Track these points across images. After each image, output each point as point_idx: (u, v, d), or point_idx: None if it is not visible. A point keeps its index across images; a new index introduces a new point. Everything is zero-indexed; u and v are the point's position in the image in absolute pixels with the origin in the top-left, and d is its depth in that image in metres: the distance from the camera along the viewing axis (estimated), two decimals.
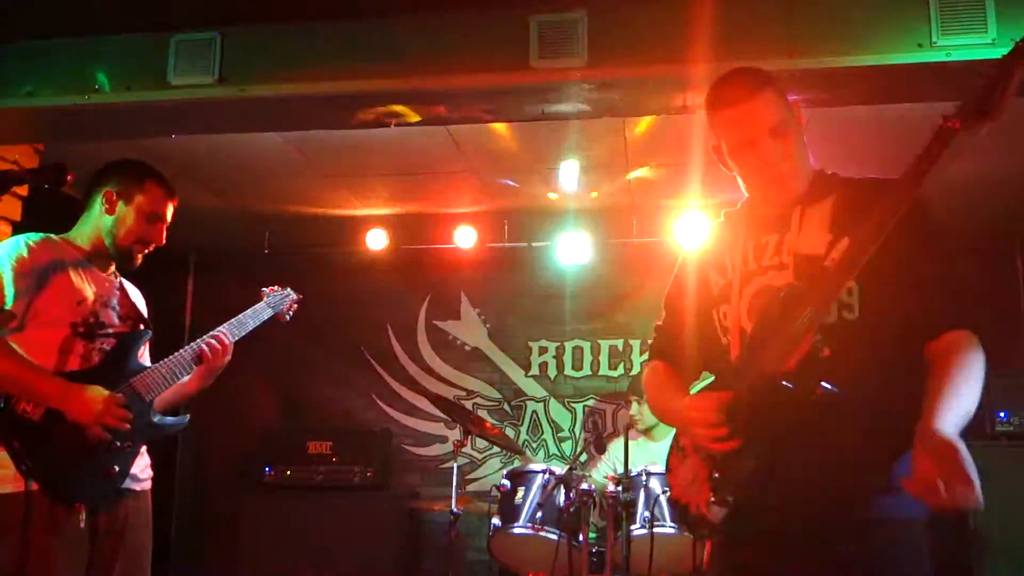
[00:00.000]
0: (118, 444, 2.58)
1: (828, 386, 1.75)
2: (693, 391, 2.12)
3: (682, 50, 3.41)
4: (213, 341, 2.79)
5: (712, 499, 1.90)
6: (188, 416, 2.87)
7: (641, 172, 5.26)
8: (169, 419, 2.79)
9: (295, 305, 3.24)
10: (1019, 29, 3.15)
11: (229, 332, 2.86)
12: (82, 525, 2.50)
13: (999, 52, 3.09)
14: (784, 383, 1.77)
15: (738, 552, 1.93)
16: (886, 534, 1.77)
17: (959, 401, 1.70)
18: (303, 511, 5.58)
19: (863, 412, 1.78)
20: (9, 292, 2.50)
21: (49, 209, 3.04)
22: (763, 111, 1.91)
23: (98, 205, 2.74)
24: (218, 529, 6.05)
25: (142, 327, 2.81)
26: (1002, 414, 4.83)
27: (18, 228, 3.94)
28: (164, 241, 2.82)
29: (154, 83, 3.69)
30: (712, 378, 2.08)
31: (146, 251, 2.80)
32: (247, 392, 6.26)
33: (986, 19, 3.19)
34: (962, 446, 1.58)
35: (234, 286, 6.61)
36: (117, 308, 2.76)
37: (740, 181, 2.05)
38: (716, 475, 1.90)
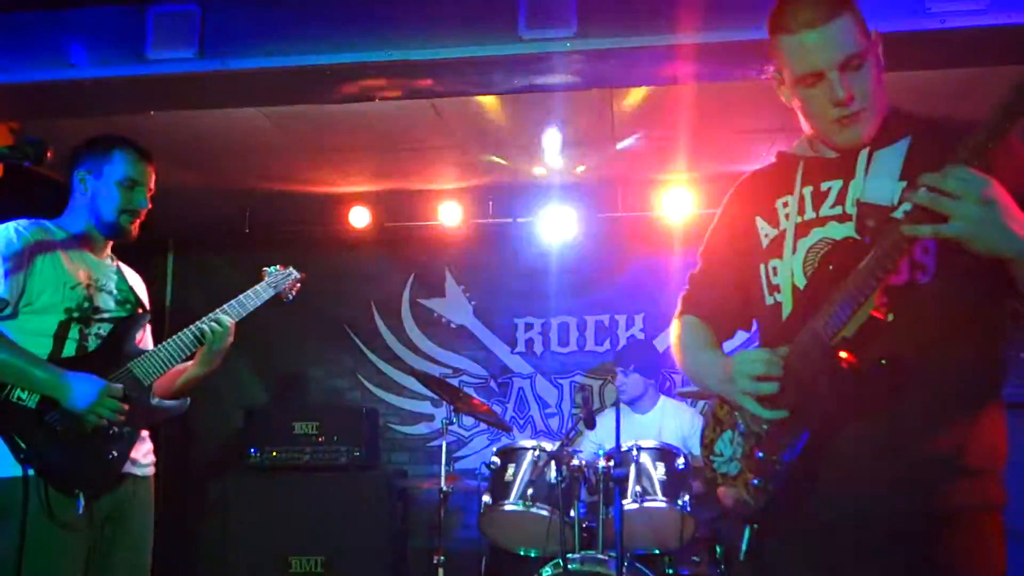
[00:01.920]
0: (114, 431, 2.58)
1: (889, 355, 1.57)
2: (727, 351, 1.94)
3: (672, 20, 3.37)
4: (214, 323, 2.76)
5: (755, 480, 1.72)
6: (188, 399, 2.85)
7: (627, 144, 5.21)
8: (168, 402, 2.78)
9: (298, 285, 3.17)
10: None
11: (231, 312, 2.84)
12: (80, 512, 2.49)
13: (993, 18, 3.08)
14: (841, 353, 1.59)
15: (783, 544, 1.75)
16: (961, 528, 1.59)
17: None
18: (290, 492, 5.54)
19: (932, 386, 1.61)
20: (0, 280, 2.50)
21: (22, 190, 3.01)
22: (836, 39, 1.66)
23: (77, 188, 2.75)
24: (204, 512, 6.01)
25: (140, 311, 2.80)
26: None
27: None
28: (149, 204, 2.79)
29: (132, 57, 3.61)
30: (746, 339, 1.91)
31: (136, 220, 2.78)
32: (231, 374, 6.19)
33: None
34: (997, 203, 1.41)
35: (215, 265, 6.59)
36: (114, 292, 2.75)
37: (801, 117, 1.83)
38: (760, 453, 1.71)
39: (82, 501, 2.50)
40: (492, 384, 6.44)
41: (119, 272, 2.84)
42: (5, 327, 2.53)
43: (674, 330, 2.05)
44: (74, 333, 2.61)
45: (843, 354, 1.59)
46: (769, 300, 1.81)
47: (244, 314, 2.89)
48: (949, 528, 1.59)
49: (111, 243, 2.83)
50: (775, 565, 1.77)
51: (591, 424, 4.39)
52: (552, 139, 5.10)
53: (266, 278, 3.08)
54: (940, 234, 1.47)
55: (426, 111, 4.63)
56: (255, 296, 2.96)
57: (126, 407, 2.56)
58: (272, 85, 3.72)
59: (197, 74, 3.60)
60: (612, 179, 5.80)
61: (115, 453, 2.61)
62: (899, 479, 1.61)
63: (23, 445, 2.44)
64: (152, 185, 2.82)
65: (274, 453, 5.70)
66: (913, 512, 1.60)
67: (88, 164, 2.74)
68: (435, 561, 4.65)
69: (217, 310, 2.83)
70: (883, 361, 1.57)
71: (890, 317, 1.59)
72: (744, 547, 1.81)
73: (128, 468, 2.68)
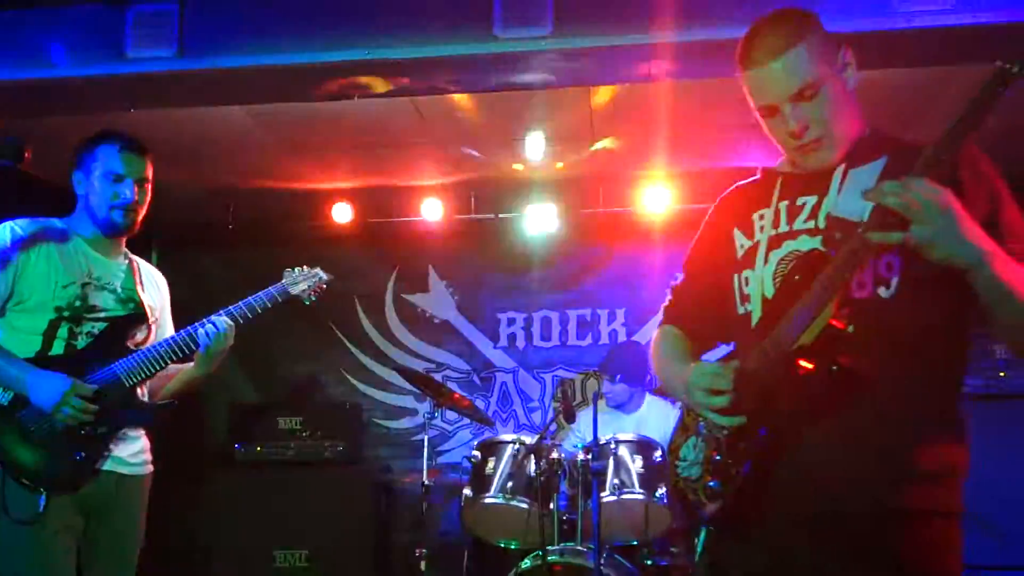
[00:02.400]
0: (84, 431, 2.57)
1: (841, 362, 1.60)
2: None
3: (647, 18, 3.41)
4: (210, 327, 2.72)
5: (711, 482, 1.75)
6: (175, 401, 2.82)
7: (606, 142, 5.26)
8: (150, 404, 2.76)
9: (324, 286, 3.10)
10: None
11: (237, 315, 2.78)
12: (40, 509, 2.47)
13: (960, 18, 3.14)
14: (800, 360, 1.62)
15: (736, 544, 1.79)
16: (908, 527, 1.61)
17: (1019, 269, 1.54)
18: (274, 487, 5.56)
19: (887, 396, 1.63)
20: None
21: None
22: (786, 73, 1.69)
23: (77, 191, 2.76)
24: (189, 506, 6.02)
25: (139, 311, 2.77)
26: None
27: None
28: (142, 196, 2.76)
29: (112, 56, 3.63)
30: (727, 350, 1.93)
31: (131, 214, 2.74)
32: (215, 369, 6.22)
33: None
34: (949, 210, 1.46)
35: (199, 262, 6.61)
36: (118, 291, 2.75)
37: None
38: (718, 456, 1.75)
39: (43, 499, 2.48)
40: (475, 378, 6.49)
41: (129, 271, 2.83)
42: None
43: (655, 339, 2.10)
44: (63, 332, 2.60)
45: (800, 361, 1.63)
46: (740, 309, 1.85)
47: (251, 316, 2.83)
48: (898, 530, 1.61)
49: (122, 240, 2.82)
50: (729, 566, 1.81)
51: (571, 418, 4.44)
52: (532, 136, 5.14)
53: (284, 279, 3.01)
54: (898, 241, 1.52)
55: (407, 108, 4.66)
56: (267, 299, 2.89)
57: (93, 407, 2.54)
58: (251, 84, 3.75)
59: (176, 73, 3.63)
60: (592, 175, 5.85)
61: (83, 454, 2.58)
62: (850, 483, 1.63)
63: None
64: (147, 175, 2.79)
65: (259, 448, 5.73)
66: (862, 514, 1.62)
67: (79, 164, 2.75)
68: (417, 554, 4.70)
69: (220, 311, 2.78)
70: (833, 368, 1.60)
71: (850, 328, 1.62)
72: (700, 548, 1.85)
73: (112, 467, 2.66)
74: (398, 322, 6.62)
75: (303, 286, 3.03)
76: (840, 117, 1.75)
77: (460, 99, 4.59)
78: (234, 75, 3.65)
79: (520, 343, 6.50)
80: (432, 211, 6.01)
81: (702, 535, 1.86)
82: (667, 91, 4.39)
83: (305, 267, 3.08)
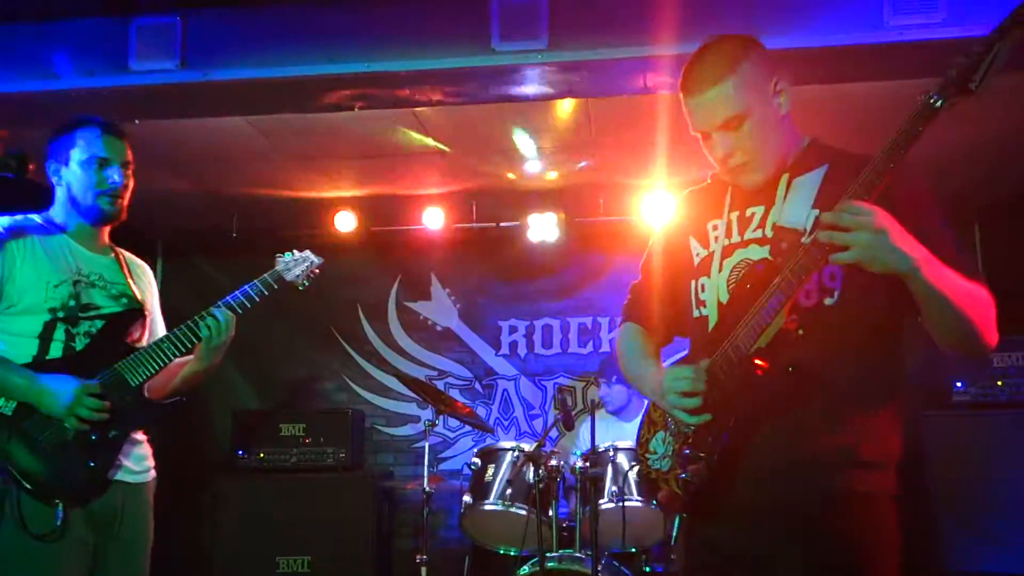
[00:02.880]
0: (95, 436, 2.47)
1: (796, 364, 1.77)
2: (667, 360, 2.14)
3: (643, 32, 3.46)
4: (211, 319, 2.63)
5: (681, 473, 1.90)
6: (183, 398, 2.73)
7: (606, 151, 5.30)
8: (158, 403, 2.67)
9: (316, 271, 2.97)
10: (968, 10, 3.23)
11: (234, 304, 2.69)
12: (58, 523, 2.39)
13: (949, 31, 3.18)
14: (756, 361, 1.80)
15: (707, 528, 1.94)
16: (853, 506, 1.79)
17: (948, 274, 1.69)
18: (277, 493, 5.60)
19: (833, 391, 1.81)
20: None
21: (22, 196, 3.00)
22: (716, 104, 1.84)
23: (54, 183, 2.65)
24: (192, 513, 6.07)
25: (134, 306, 2.67)
26: (959, 384, 4.95)
27: None
28: (123, 181, 2.64)
29: (115, 68, 3.68)
30: (685, 345, 2.08)
31: (119, 199, 2.64)
32: (219, 376, 6.24)
33: (935, 0, 3.26)
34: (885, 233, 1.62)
35: (203, 269, 6.66)
36: (108, 287, 2.63)
37: None
38: (687, 450, 1.91)
39: (60, 511, 2.40)
40: (477, 386, 6.53)
41: (116, 264, 2.71)
42: None
43: (619, 337, 2.27)
44: (60, 334, 2.50)
45: (757, 361, 1.81)
46: (696, 313, 2.01)
47: (249, 305, 2.74)
48: (846, 510, 1.79)
49: (106, 232, 2.71)
50: (701, 548, 1.96)
51: (569, 425, 4.48)
52: (532, 145, 5.18)
53: (277, 265, 2.89)
54: (840, 260, 1.67)
55: (408, 118, 4.71)
56: (263, 286, 2.80)
57: (108, 405, 2.45)
58: (252, 95, 3.79)
59: (179, 84, 3.68)
60: (592, 184, 5.88)
61: (95, 462, 2.49)
62: (803, 469, 1.81)
63: (2, 455, 2.36)
64: (130, 158, 2.68)
65: (261, 455, 5.77)
66: (814, 497, 1.80)
67: (55, 154, 2.63)
68: (419, 560, 4.74)
69: (219, 302, 2.69)
70: (790, 368, 1.78)
71: (800, 332, 1.80)
72: (675, 534, 2.01)
73: (118, 475, 2.57)
74: (400, 330, 6.66)
75: (297, 271, 2.90)
76: (767, 142, 1.89)
77: (461, 110, 4.62)
78: (236, 87, 3.70)
79: (521, 351, 6.54)
80: (434, 220, 6.05)
81: (676, 522, 2.02)
82: (665, 100, 4.43)
83: (295, 251, 2.93)
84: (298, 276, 2.89)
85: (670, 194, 5.68)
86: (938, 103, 1.63)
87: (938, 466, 4.80)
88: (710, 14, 3.47)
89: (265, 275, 2.83)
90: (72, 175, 2.61)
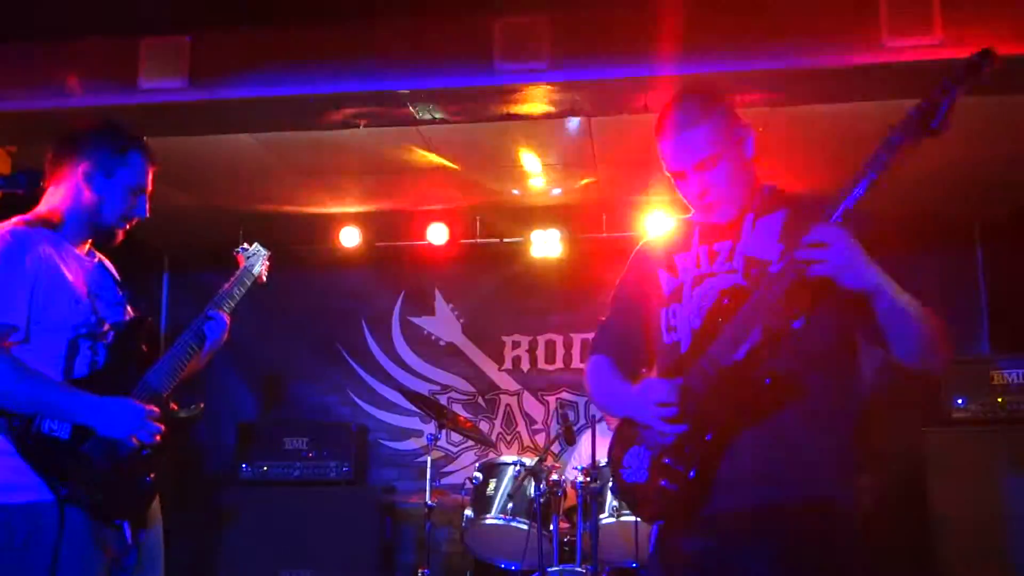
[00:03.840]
0: (146, 452, 2.42)
1: (773, 375, 1.87)
2: None
3: (643, 52, 3.51)
4: (211, 322, 2.63)
5: (662, 482, 1.97)
6: (201, 404, 2.65)
7: (609, 168, 5.35)
8: (185, 413, 2.60)
9: (268, 263, 3.01)
10: (965, 30, 3.27)
11: (223, 306, 2.69)
12: (129, 540, 2.37)
13: (946, 53, 3.23)
14: (736, 374, 1.90)
15: (684, 535, 2.00)
16: (820, 513, 1.88)
17: (906, 295, 1.83)
18: (280, 507, 5.63)
19: (805, 404, 1.90)
20: (5, 305, 2.29)
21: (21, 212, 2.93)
22: (691, 146, 2.01)
23: (78, 181, 2.48)
24: (196, 525, 6.10)
25: (135, 316, 2.60)
26: (959, 400, 4.96)
27: None
28: (147, 213, 2.58)
29: (124, 86, 3.73)
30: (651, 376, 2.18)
31: (128, 226, 2.58)
32: (223, 389, 6.31)
33: (933, 20, 3.30)
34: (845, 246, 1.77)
35: (209, 283, 6.67)
36: (105, 296, 2.54)
37: None
38: (668, 460, 1.98)
39: (129, 531, 2.36)
40: (480, 401, 6.55)
41: (103, 268, 2.60)
42: (19, 353, 2.31)
43: (589, 368, 2.35)
44: (84, 350, 2.41)
45: (736, 375, 1.91)
46: (668, 339, 2.12)
47: (235, 304, 2.76)
48: (820, 516, 1.89)
49: (88, 240, 2.58)
50: (679, 554, 2.02)
51: (571, 440, 4.51)
52: (535, 162, 5.24)
53: (243, 262, 2.92)
54: (818, 273, 1.80)
55: (412, 135, 4.76)
56: (239, 284, 2.83)
57: (164, 428, 2.41)
58: (259, 113, 3.85)
59: (187, 103, 3.73)
60: (596, 201, 5.94)
61: (152, 475, 2.47)
62: (779, 477, 1.91)
63: (62, 483, 2.26)
64: (151, 189, 2.61)
65: (265, 468, 5.80)
66: (789, 504, 1.89)
67: (99, 160, 2.47)
68: (421, 574, 4.76)
69: (209, 307, 2.69)
70: (768, 380, 1.89)
71: (769, 350, 1.92)
72: (653, 541, 2.09)
73: None
74: (404, 344, 6.70)
75: (258, 267, 2.95)
76: (736, 182, 2.06)
77: (465, 127, 4.68)
78: (243, 105, 3.76)
79: (524, 366, 6.56)
80: (438, 235, 6.09)
81: (655, 530, 2.07)
82: None
83: (246, 244, 2.99)
84: (260, 271, 2.96)
85: (673, 210, 5.72)
86: (899, 141, 1.76)
87: (938, 483, 4.81)
88: (709, 34, 3.51)
89: (240, 275, 2.87)
90: (111, 192, 2.49)
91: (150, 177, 2.58)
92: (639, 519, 2.68)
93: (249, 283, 2.88)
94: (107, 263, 2.64)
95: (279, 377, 6.66)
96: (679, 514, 1.99)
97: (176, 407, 2.59)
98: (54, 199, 2.49)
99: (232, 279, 2.83)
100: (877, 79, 3.42)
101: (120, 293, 2.61)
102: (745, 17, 3.45)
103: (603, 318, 2.39)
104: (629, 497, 2.16)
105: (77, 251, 2.51)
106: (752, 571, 1.89)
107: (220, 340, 2.68)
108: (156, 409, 2.41)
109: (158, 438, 2.40)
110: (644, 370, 2.29)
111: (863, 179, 1.79)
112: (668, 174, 2.10)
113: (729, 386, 1.91)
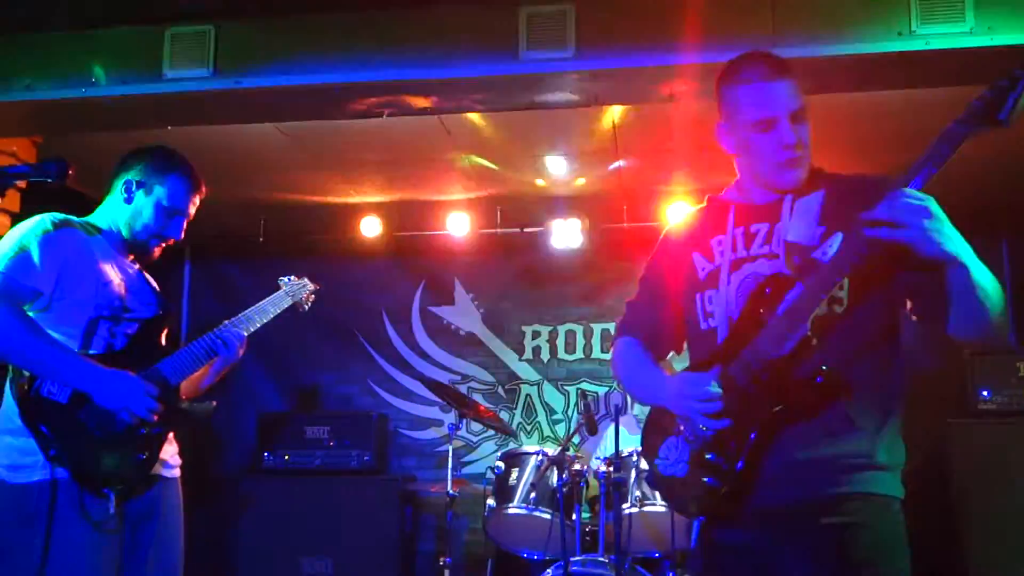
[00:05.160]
0: (144, 431, 2.51)
1: (824, 372, 1.82)
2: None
3: (668, 40, 3.48)
4: (226, 341, 2.72)
5: (705, 479, 1.93)
6: (214, 403, 2.81)
7: (630, 158, 5.32)
8: (196, 405, 2.72)
9: (312, 296, 3.18)
10: (996, 18, 3.24)
11: (247, 324, 2.80)
12: (112, 511, 2.42)
13: (977, 40, 3.19)
14: (780, 368, 1.84)
15: (728, 531, 1.96)
16: (865, 506, 1.84)
17: (975, 261, 1.73)
18: (301, 496, 5.66)
19: (852, 397, 1.86)
20: (35, 270, 2.43)
21: (47, 200, 2.98)
22: (789, 92, 1.94)
23: (119, 191, 2.67)
24: (216, 513, 6.14)
25: (163, 311, 2.72)
26: (985, 392, 4.93)
27: (17, 219, 4.00)
28: (182, 236, 2.74)
29: (150, 76, 3.75)
30: (684, 360, 2.13)
31: (164, 245, 2.73)
32: (245, 379, 6.34)
33: (964, 8, 3.26)
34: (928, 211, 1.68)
35: (230, 273, 6.74)
36: (139, 294, 2.67)
37: (738, 164, 2.09)
38: (711, 455, 1.93)
39: (113, 501, 2.42)
40: (500, 391, 6.55)
41: (142, 275, 2.75)
42: (39, 320, 2.45)
43: (617, 350, 2.30)
44: (103, 331, 2.52)
45: (782, 370, 1.85)
46: (704, 326, 2.05)
47: (263, 322, 2.88)
48: (866, 510, 1.85)
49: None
50: (721, 551, 1.98)
51: (593, 430, 4.51)
52: (556, 152, 5.22)
53: (283, 288, 3.06)
54: (895, 237, 1.71)
55: (435, 125, 4.75)
56: (274, 304, 2.96)
57: (161, 406, 2.50)
58: (282, 102, 3.85)
59: (211, 92, 3.74)
60: (617, 191, 5.91)
61: (146, 454, 2.53)
62: (824, 472, 1.86)
63: (54, 443, 2.36)
64: (193, 213, 2.77)
65: (286, 457, 5.83)
66: (833, 497, 1.85)
67: (141, 174, 2.66)
68: (442, 563, 4.77)
69: (228, 323, 2.79)
70: (819, 379, 1.83)
71: (814, 340, 1.85)
72: (695, 538, 2.05)
73: (158, 470, 2.61)
74: (424, 334, 6.71)
75: (302, 295, 3.13)
76: (810, 149, 1.98)
77: (487, 116, 4.67)
78: (267, 94, 3.75)
79: (545, 356, 6.56)
80: (458, 225, 6.09)
81: (696, 527, 2.04)
82: (690, 107, 4.45)
83: (294, 277, 3.15)
84: (299, 300, 3.11)
85: (695, 200, 5.70)
86: (964, 131, 1.69)
87: (963, 474, 4.78)
88: (736, 22, 3.48)
89: (273, 296, 3.01)
90: (145, 207, 2.67)
91: (192, 204, 2.74)
92: (679, 513, 2.62)
93: (286, 306, 3.04)
94: (148, 276, 2.79)
95: (300, 366, 6.68)
96: (723, 511, 1.94)
97: (187, 398, 2.72)
98: (103, 208, 2.70)
99: (266, 300, 2.98)
100: (906, 67, 3.38)
101: (155, 297, 2.73)
102: (772, 4, 3.42)
103: (631, 298, 2.32)
104: (666, 490, 2.11)
105: (120, 255, 2.67)
106: (797, 567, 1.85)
107: (233, 359, 2.76)
108: (155, 387, 2.50)
109: (156, 417, 2.48)
110: (673, 354, 2.24)
111: (921, 170, 1.73)
112: (744, 125, 1.97)
113: (775, 382, 1.86)
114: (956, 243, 1.71)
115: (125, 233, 2.67)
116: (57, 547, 2.33)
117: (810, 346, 1.84)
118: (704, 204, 2.21)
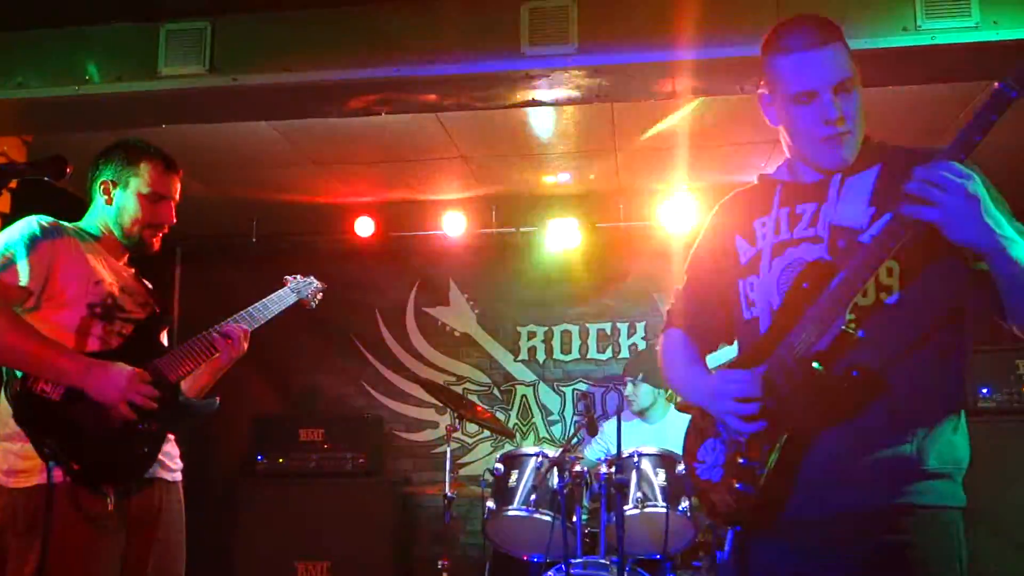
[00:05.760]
0: (143, 426, 2.47)
1: (861, 367, 1.67)
2: (711, 364, 2.04)
3: (671, 36, 3.45)
4: (227, 334, 2.68)
5: (738, 485, 1.79)
6: (217, 399, 2.74)
7: (627, 156, 5.30)
8: (196, 401, 2.68)
9: (320, 294, 3.16)
10: (1001, 12, 3.22)
11: (249, 320, 2.77)
12: (110, 508, 2.39)
13: (982, 35, 3.17)
14: (815, 365, 1.69)
15: (762, 543, 1.83)
16: (911, 520, 1.68)
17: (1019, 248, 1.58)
18: (296, 498, 5.61)
19: (895, 396, 1.69)
20: (23, 269, 2.40)
21: (37, 201, 2.94)
22: (832, 62, 1.75)
23: (98, 196, 2.65)
24: (211, 517, 6.07)
25: (159, 312, 2.70)
26: (984, 390, 4.92)
27: (8, 221, 3.94)
28: (174, 219, 2.70)
29: (145, 73, 3.71)
30: (732, 352, 1.99)
31: (160, 233, 2.70)
32: (239, 381, 6.26)
33: (969, 3, 3.25)
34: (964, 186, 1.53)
35: (222, 274, 6.67)
36: (134, 295, 2.65)
37: (784, 138, 1.91)
38: (743, 460, 1.80)
39: (111, 498, 2.39)
40: (495, 391, 6.51)
41: (137, 277, 2.73)
42: (30, 320, 2.41)
43: (662, 343, 2.16)
44: (97, 329, 2.49)
45: (817, 366, 1.69)
46: (747, 315, 1.90)
47: (266, 319, 2.84)
48: (909, 525, 1.69)
49: (127, 252, 2.73)
50: (756, 562, 1.84)
51: (593, 431, 4.46)
52: (554, 150, 5.19)
53: (289, 284, 3.05)
54: (922, 216, 1.58)
55: (431, 123, 4.71)
56: (278, 302, 2.92)
57: (157, 393, 2.45)
58: (279, 100, 3.80)
59: (207, 89, 3.69)
60: (612, 190, 5.89)
61: (145, 449, 2.50)
62: (865, 480, 1.70)
63: (47, 440, 2.31)
64: (177, 196, 2.73)
65: (281, 460, 5.78)
66: (877, 510, 1.70)
67: (113, 173, 2.63)
68: (439, 566, 4.72)
69: (230, 319, 2.75)
70: (855, 373, 1.67)
71: (860, 333, 1.69)
72: (728, 547, 1.90)
73: (159, 472, 2.58)
74: (419, 335, 6.66)
75: (308, 291, 3.13)
76: (862, 121, 1.81)
77: (485, 114, 4.63)
78: (265, 91, 3.71)
79: (540, 356, 6.53)
80: (454, 225, 6.05)
81: (730, 535, 1.90)
82: (688, 105, 4.44)
83: (299, 275, 3.14)
84: (306, 296, 3.10)
85: (691, 198, 5.67)
86: (1012, 96, 1.55)
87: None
88: (740, 17, 3.46)
89: (278, 291, 2.99)
90: (128, 201, 2.64)
91: (171, 184, 2.70)
92: (712, 520, 2.43)
93: (290, 303, 3.01)
94: (142, 278, 2.78)
95: (294, 369, 6.63)
96: (755, 520, 1.80)
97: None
98: (88, 215, 2.68)
99: (269, 297, 2.95)
100: (912, 62, 3.36)
101: (149, 297, 2.71)
102: None
103: (679, 286, 2.16)
104: (704, 496, 1.92)
105: (113, 259, 2.65)
106: None
107: (233, 356, 2.73)
108: (148, 376, 2.47)
109: (153, 405, 2.45)
110: (724, 344, 2.08)
111: (964, 140, 1.59)
112: (786, 97, 1.80)
113: (810, 380, 1.70)
114: (981, 230, 1.56)
115: (118, 233, 2.65)
116: (56, 551, 2.29)
117: (850, 339, 1.68)
118: (754, 183, 2.04)
